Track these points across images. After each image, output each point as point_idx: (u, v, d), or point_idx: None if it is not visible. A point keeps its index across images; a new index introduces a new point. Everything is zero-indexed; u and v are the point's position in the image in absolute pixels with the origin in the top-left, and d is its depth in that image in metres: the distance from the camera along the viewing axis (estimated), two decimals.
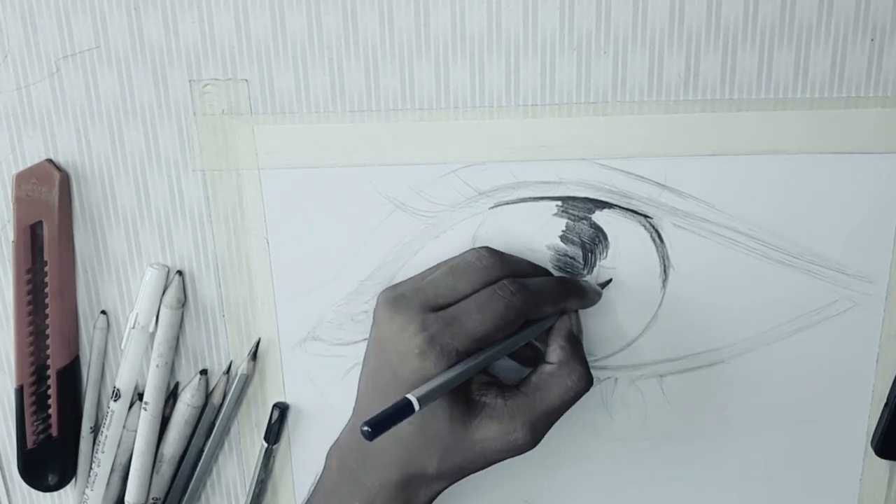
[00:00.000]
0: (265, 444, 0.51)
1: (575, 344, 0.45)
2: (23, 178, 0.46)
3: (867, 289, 0.48)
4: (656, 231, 0.47)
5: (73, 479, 0.52)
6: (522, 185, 0.47)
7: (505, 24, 0.44)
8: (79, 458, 0.52)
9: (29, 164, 0.47)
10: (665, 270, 0.48)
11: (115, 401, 0.50)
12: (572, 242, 0.48)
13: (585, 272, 0.48)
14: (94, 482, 0.52)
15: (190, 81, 0.45)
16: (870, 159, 0.45)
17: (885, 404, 0.50)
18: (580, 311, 0.46)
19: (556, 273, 0.48)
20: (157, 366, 0.49)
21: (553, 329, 0.45)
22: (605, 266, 0.48)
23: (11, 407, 0.51)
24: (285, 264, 0.48)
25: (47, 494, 0.53)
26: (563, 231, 0.47)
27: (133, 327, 0.49)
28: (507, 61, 0.44)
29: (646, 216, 0.47)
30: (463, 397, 0.43)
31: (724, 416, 0.51)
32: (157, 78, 0.45)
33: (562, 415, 0.44)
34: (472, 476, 0.45)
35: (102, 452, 0.51)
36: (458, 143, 0.46)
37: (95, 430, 0.52)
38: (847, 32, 0.43)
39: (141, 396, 0.50)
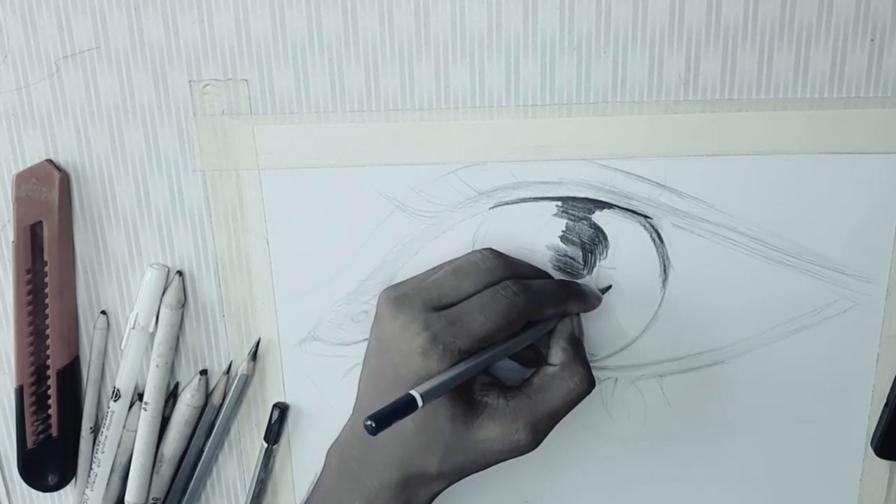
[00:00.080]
0: (265, 444, 0.51)
1: (577, 346, 0.45)
2: (23, 178, 0.46)
3: (867, 289, 0.48)
4: (656, 231, 0.47)
5: (73, 479, 0.52)
6: (522, 185, 0.47)
7: (505, 24, 0.44)
8: (79, 458, 0.52)
9: (29, 164, 0.47)
10: (665, 270, 0.48)
11: (115, 401, 0.50)
12: (572, 243, 0.48)
13: (585, 272, 0.48)
14: (94, 482, 0.52)
15: (190, 81, 0.45)
16: (870, 159, 0.45)
17: (885, 404, 0.50)
18: (580, 314, 0.47)
19: (556, 275, 0.48)
20: (157, 366, 0.49)
21: (555, 331, 0.45)
22: (605, 266, 0.48)
23: (11, 407, 0.51)
24: (285, 264, 0.48)
25: (47, 494, 0.53)
26: (563, 231, 0.47)
27: (133, 327, 0.49)
28: (507, 61, 0.44)
29: (646, 216, 0.47)
30: (465, 397, 0.43)
31: (724, 416, 0.51)
32: (157, 78, 0.45)
33: (563, 416, 0.44)
34: (473, 476, 0.45)
35: (102, 452, 0.51)
36: (458, 143, 0.46)
37: (95, 430, 0.52)
38: (847, 32, 0.43)
39: (141, 396, 0.50)
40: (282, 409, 0.51)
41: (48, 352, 0.49)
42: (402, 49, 0.44)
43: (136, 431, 0.50)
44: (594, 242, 0.48)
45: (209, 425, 0.51)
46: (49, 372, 0.49)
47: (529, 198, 0.47)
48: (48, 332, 0.49)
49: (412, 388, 0.38)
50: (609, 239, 0.47)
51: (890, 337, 0.49)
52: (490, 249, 0.46)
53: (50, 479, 0.52)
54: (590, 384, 0.44)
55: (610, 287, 0.48)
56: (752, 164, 0.46)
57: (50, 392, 0.50)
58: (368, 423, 0.35)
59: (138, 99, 0.46)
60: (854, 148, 0.45)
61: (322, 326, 0.50)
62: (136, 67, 0.45)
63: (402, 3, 0.44)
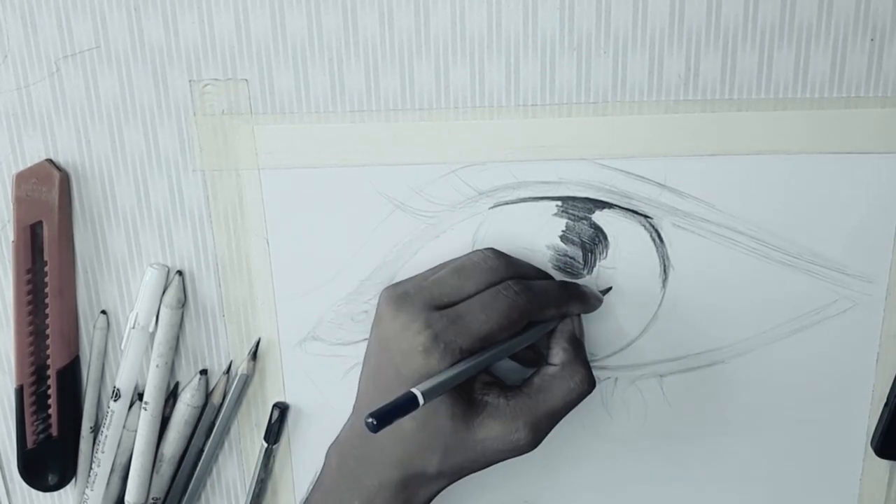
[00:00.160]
0: (265, 444, 0.51)
1: (577, 346, 0.45)
2: (23, 178, 0.46)
3: (867, 289, 0.48)
4: (656, 231, 0.47)
5: (73, 479, 0.52)
6: (522, 185, 0.47)
7: (505, 24, 0.44)
8: (79, 458, 0.52)
9: (29, 164, 0.47)
10: (665, 270, 0.48)
11: (115, 401, 0.50)
12: (572, 242, 0.48)
13: (585, 272, 0.48)
14: (94, 482, 0.52)
15: (190, 81, 0.45)
16: (870, 159, 0.45)
17: (885, 404, 0.50)
18: (581, 315, 0.47)
19: (557, 275, 0.48)
20: (157, 366, 0.49)
21: (556, 331, 0.45)
22: (605, 266, 0.48)
23: (11, 407, 0.51)
24: (285, 264, 0.48)
25: (47, 494, 0.53)
26: (563, 231, 0.47)
27: (133, 327, 0.49)
28: (507, 61, 0.44)
29: (646, 216, 0.47)
30: (465, 396, 0.43)
31: (724, 416, 0.51)
32: (157, 78, 0.45)
33: (563, 416, 0.44)
34: (472, 475, 0.45)
35: (102, 452, 0.51)
36: (458, 143, 0.46)
37: (95, 430, 0.52)
38: (847, 32, 0.43)
39: (141, 396, 0.50)
40: (282, 409, 0.51)
41: (48, 352, 0.49)
42: (402, 49, 0.44)
43: (136, 431, 0.50)
44: (594, 242, 0.48)
45: (209, 425, 0.51)
46: (49, 372, 0.49)
47: (529, 198, 0.47)
48: (48, 332, 0.49)
49: (413, 387, 0.38)
50: (609, 239, 0.47)
51: (890, 337, 0.49)
52: (492, 249, 0.46)
53: (50, 479, 0.52)
54: (590, 384, 0.44)
55: (610, 289, 0.48)
56: (752, 164, 0.46)
57: (50, 392, 0.50)
58: (369, 420, 0.35)
59: (138, 99, 0.46)
60: (854, 148, 0.45)
61: (322, 326, 0.50)
62: (136, 67, 0.45)
63: (402, 3, 0.44)
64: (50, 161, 0.47)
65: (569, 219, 0.47)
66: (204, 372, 0.51)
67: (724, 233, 0.47)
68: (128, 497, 0.51)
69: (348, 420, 0.48)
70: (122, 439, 0.51)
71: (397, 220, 0.47)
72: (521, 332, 0.44)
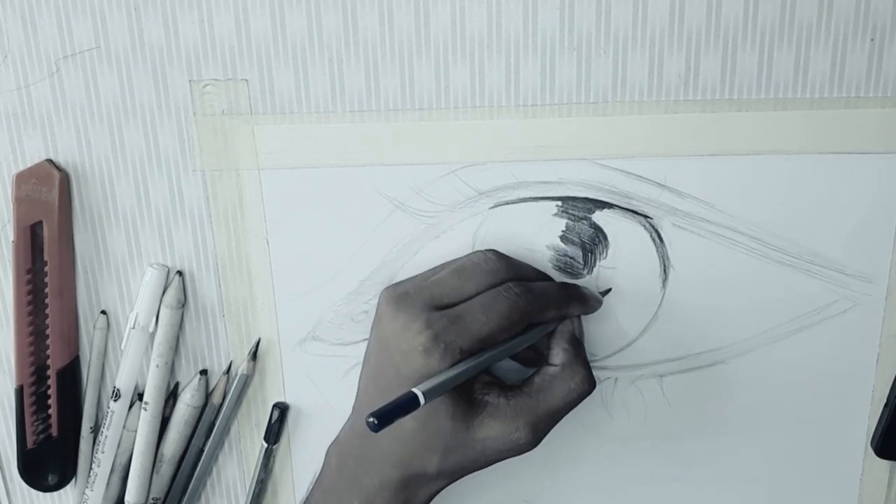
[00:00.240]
0: (265, 444, 0.51)
1: (578, 347, 0.45)
2: (23, 178, 0.46)
3: (867, 289, 0.48)
4: (656, 231, 0.47)
5: (73, 479, 0.52)
6: (522, 185, 0.47)
7: (505, 24, 0.44)
8: (79, 458, 0.52)
9: (29, 164, 0.47)
10: (665, 270, 0.48)
11: (115, 401, 0.50)
12: (572, 242, 0.48)
13: (585, 272, 0.48)
14: (94, 482, 0.52)
15: (190, 81, 0.45)
16: (870, 159, 0.45)
17: (885, 404, 0.50)
18: (581, 316, 0.47)
19: (557, 275, 0.48)
20: (157, 366, 0.49)
21: (556, 332, 0.45)
22: (605, 266, 0.48)
23: (11, 407, 0.51)
24: (285, 264, 0.48)
25: (47, 494, 0.53)
26: (563, 231, 0.47)
27: (133, 327, 0.49)
28: (507, 61, 0.44)
29: (646, 216, 0.47)
30: (465, 396, 0.43)
31: (724, 416, 0.51)
32: (157, 78, 0.45)
33: (563, 416, 0.44)
34: (472, 475, 0.45)
35: (102, 452, 0.51)
36: (458, 143, 0.46)
37: (95, 430, 0.52)
38: (847, 32, 0.43)
39: (141, 396, 0.50)
40: (282, 409, 0.51)
41: (48, 352, 0.49)
42: (402, 49, 0.44)
43: (136, 431, 0.50)
44: (594, 242, 0.48)
45: (209, 425, 0.51)
46: (49, 372, 0.49)
47: (529, 198, 0.47)
48: (48, 332, 0.49)
49: (413, 387, 0.38)
50: (609, 239, 0.47)
51: (890, 337, 0.49)
52: (492, 251, 0.46)
53: (50, 479, 0.52)
54: (590, 384, 0.44)
55: (610, 290, 0.48)
56: (752, 164, 0.46)
57: (50, 392, 0.50)
58: (370, 420, 0.35)
59: (138, 99, 0.46)
60: (854, 148, 0.45)
61: (322, 326, 0.50)
62: (136, 67, 0.45)
63: (402, 3, 0.44)
64: (50, 161, 0.47)
65: (569, 219, 0.47)
66: (204, 372, 0.51)
67: (724, 233, 0.47)
68: (128, 497, 0.51)
69: (348, 420, 0.48)
70: (122, 439, 0.51)
71: (397, 220, 0.47)
72: (522, 333, 0.44)
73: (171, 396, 0.51)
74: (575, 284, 0.47)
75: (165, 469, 0.52)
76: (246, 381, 0.50)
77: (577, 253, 0.48)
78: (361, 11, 0.44)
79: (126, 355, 0.49)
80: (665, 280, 0.48)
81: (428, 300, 0.43)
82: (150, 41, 0.45)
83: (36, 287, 0.48)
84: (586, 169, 0.46)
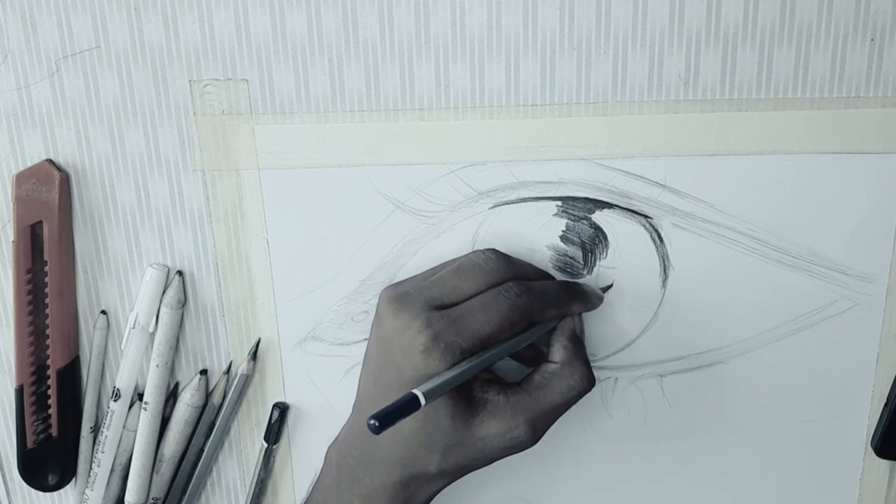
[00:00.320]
0: (265, 444, 0.51)
1: (578, 344, 0.45)
2: (23, 178, 0.46)
3: (867, 289, 0.48)
4: (656, 231, 0.47)
5: (73, 479, 0.52)
6: (522, 185, 0.47)
7: (505, 24, 0.44)
8: (79, 458, 0.52)
9: (29, 164, 0.47)
10: (665, 270, 0.48)
11: (115, 401, 0.50)
12: (572, 242, 0.48)
13: (585, 272, 0.48)
14: (94, 482, 0.52)
15: (190, 81, 0.45)
16: (870, 159, 0.45)
17: (885, 404, 0.50)
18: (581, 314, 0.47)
19: (557, 275, 0.48)
20: (157, 366, 0.49)
21: (556, 329, 0.45)
22: (605, 266, 0.48)
23: (11, 407, 0.51)
24: (285, 264, 0.48)
25: (47, 494, 0.53)
26: (563, 231, 0.47)
27: (133, 327, 0.49)
28: (507, 61, 0.44)
29: (646, 216, 0.47)
30: (465, 395, 0.43)
31: (724, 416, 0.51)
32: (157, 78, 0.45)
33: (562, 414, 0.44)
34: (472, 475, 0.45)
35: (102, 452, 0.51)
36: (458, 143, 0.46)
37: (95, 430, 0.52)
38: (847, 32, 0.43)
39: (141, 396, 0.50)
40: (282, 409, 0.51)
41: (48, 352, 0.49)
42: (402, 49, 0.44)
43: (136, 431, 0.51)
44: (594, 242, 0.48)
45: (209, 425, 0.51)
46: (49, 372, 0.49)
47: (529, 198, 0.47)
48: (48, 332, 0.49)
49: (413, 387, 0.38)
50: (609, 239, 0.47)
51: (890, 337, 0.49)
52: (492, 250, 0.46)
53: (50, 479, 0.52)
54: (590, 382, 0.44)
55: (611, 286, 0.48)
56: (752, 164, 0.46)
57: (50, 392, 0.50)
58: (371, 422, 0.35)
59: (138, 99, 0.46)
60: (854, 148, 0.45)
61: (322, 326, 0.50)
62: (136, 67, 0.45)
63: (402, 3, 0.44)
64: (50, 161, 0.47)
65: (569, 219, 0.47)
66: (204, 372, 0.51)
67: (724, 233, 0.47)
68: (128, 497, 0.51)
69: (348, 420, 0.48)
70: (122, 439, 0.51)
71: (397, 220, 0.47)
72: (522, 332, 0.44)
73: (171, 396, 0.51)
74: (575, 282, 0.47)
75: (165, 469, 0.52)
76: (246, 381, 0.50)
77: (577, 253, 0.48)
78: (361, 11, 0.44)
79: (126, 355, 0.49)
80: (665, 280, 0.48)
81: (428, 300, 0.43)
82: (150, 41, 0.45)
83: (36, 287, 0.48)
84: (586, 169, 0.46)
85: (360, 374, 0.47)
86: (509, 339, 0.43)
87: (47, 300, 0.48)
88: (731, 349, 0.49)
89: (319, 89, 0.45)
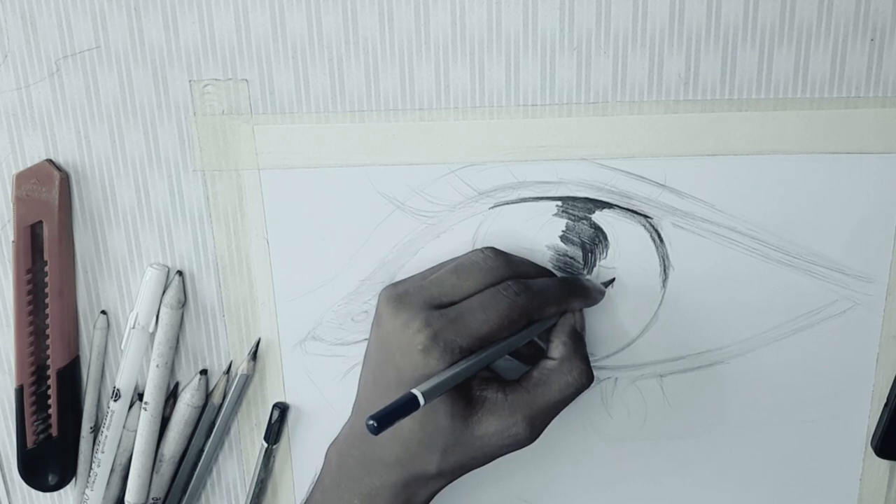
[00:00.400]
0: (265, 444, 0.51)
1: (577, 341, 0.45)
2: (23, 178, 0.46)
3: (867, 289, 0.48)
4: (656, 231, 0.47)
5: (73, 479, 0.52)
6: (522, 185, 0.47)
7: (505, 24, 0.44)
8: (79, 458, 0.52)
9: (29, 164, 0.47)
10: (665, 270, 0.48)
11: (115, 401, 0.50)
12: (572, 242, 0.48)
13: (585, 272, 0.48)
14: (94, 482, 0.52)
15: (190, 81, 0.45)
16: (869, 159, 0.45)
17: (885, 404, 0.50)
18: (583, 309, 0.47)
19: (557, 274, 0.48)
20: (157, 366, 0.49)
21: (556, 325, 0.45)
22: (605, 266, 0.48)
23: (11, 407, 0.51)
24: (285, 264, 0.48)
25: (47, 494, 0.53)
26: (563, 231, 0.47)
27: (133, 327, 0.49)
28: (507, 61, 0.44)
29: (646, 216, 0.47)
30: (464, 394, 0.43)
31: (724, 416, 0.51)
32: (157, 78, 0.45)
33: (560, 410, 0.44)
34: (472, 475, 0.45)
35: (102, 452, 0.51)
36: (458, 143, 0.46)
37: (95, 430, 0.52)
38: (847, 32, 0.43)
39: (141, 396, 0.50)
40: (282, 409, 0.51)
41: (48, 352, 0.49)
42: (402, 49, 0.44)
43: (136, 431, 0.51)
44: (594, 242, 0.48)
45: (209, 425, 0.51)
46: (49, 372, 0.49)
47: (529, 198, 0.47)
48: (48, 332, 0.49)
49: (412, 386, 0.38)
50: (609, 239, 0.47)
51: (890, 337, 0.49)
52: (491, 248, 0.46)
53: (50, 479, 0.52)
54: (588, 378, 0.44)
55: (613, 280, 0.48)
56: (752, 164, 0.46)
57: (50, 392, 0.50)
58: (371, 423, 0.35)
59: (138, 99, 0.46)
60: (854, 148, 0.45)
61: (322, 326, 0.50)
62: (136, 67, 0.45)
63: (402, 3, 0.44)
64: (50, 161, 0.47)
65: (569, 219, 0.47)
66: (204, 372, 0.51)
67: (724, 233, 0.47)
68: (128, 497, 0.51)
69: (348, 420, 0.48)
70: (122, 439, 0.51)
71: (397, 220, 0.47)
72: (522, 330, 0.44)
73: (171, 396, 0.51)
74: (575, 278, 0.47)
75: (165, 469, 0.52)
76: (246, 381, 0.50)
77: (577, 253, 0.48)
78: (361, 11, 0.44)
79: (126, 355, 0.49)
80: (665, 280, 0.48)
81: (427, 299, 0.43)
82: (150, 41, 0.45)
83: (36, 287, 0.48)
84: (586, 169, 0.46)
85: (360, 374, 0.47)
86: (508, 338, 0.43)
87: (47, 300, 0.48)
88: (731, 349, 0.49)
89: (319, 89, 0.45)
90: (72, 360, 0.50)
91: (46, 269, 0.48)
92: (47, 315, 0.48)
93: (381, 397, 0.43)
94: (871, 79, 0.44)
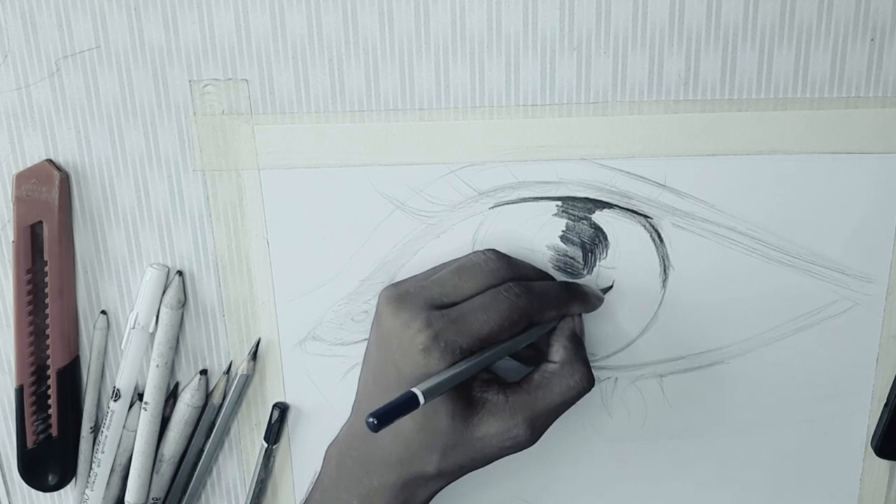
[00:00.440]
0: (265, 444, 0.51)
1: (578, 344, 0.45)
2: (23, 178, 0.46)
3: (867, 289, 0.48)
4: (656, 231, 0.47)
5: (73, 479, 0.52)
6: (522, 185, 0.47)
7: (505, 24, 0.44)
8: (79, 458, 0.52)
9: (29, 164, 0.47)
10: (665, 270, 0.48)
11: (115, 401, 0.50)
12: (572, 242, 0.48)
13: (585, 272, 0.48)
14: (94, 482, 0.52)
15: (190, 81, 0.45)
16: (869, 159, 0.45)
17: (885, 404, 0.50)
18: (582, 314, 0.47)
19: (557, 275, 0.48)
20: (157, 366, 0.49)
21: (556, 329, 0.45)
22: (605, 266, 0.48)
23: (11, 407, 0.51)
24: (285, 264, 0.49)
25: (47, 494, 0.53)
26: (563, 231, 0.47)
27: (133, 327, 0.49)
28: (507, 61, 0.44)
29: (646, 216, 0.47)
30: (464, 395, 0.43)
31: (724, 416, 0.51)
32: (157, 78, 0.45)
33: (561, 413, 0.44)
34: (472, 475, 0.45)
35: (102, 452, 0.51)
36: (458, 143, 0.46)
37: (95, 430, 0.52)
38: (847, 32, 0.43)
39: (141, 396, 0.50)
40: (282, 409, 0.51)
41: (48, 352, 0.49)
42: (402, 49, 0.44)
43: (136, 431, 0.51)
44: (594, 242, 0.48)
45: (209, 425, 0.51)
46: (49, 372, 0.49)
47: (529, 198, 0.47)
48: (48, 332, 0.49)
49: (413, 386, 0.38)
50: (609, 239, 0.47)
51: (890, 337, 0.49)
52: (493, 250, 0.46)
53: (50, 479, 0.52)
54: (589, 382, 0.44)
55: (611, 286, 0.48)
56: (753, 164, 0.46)
57: (50, 392, 0.50)
58: (370, 420, 0.35)
59: (138, 99, 0.46)
60: (854, 148, 0.45)
61: (322, 326, 0.50)
62: (136, 67, 0.45)
63: (402, 3, 0.44)
64: (50, 161, 0.47)
65: (569, 219, 0.47)
66: (204, 372, 0.51)
67: (724, 233, 0.47)
68: (128, 497, 0.51)
69: (348, 420, 0.48)
70: (122, 439, 0.51)
71: (397, 220, 0.47)
72: (522, 332, 0.44)
73: (171, 396, 0.51)
74: (575, 283, 0.47)
75: (165, 469, 0.52)
76: (246, 381, 0.50)
77: (577, 253, 0.48)
78: (361, 11, 0.44)
79: (126, 355, 0.49)
80: (665, 280, 0.48)
81: (428, 299, 0.43)
82: (150, 41, 0.45)
83: (36, 287, 0.48)
84: (586, 169, 0.46)
85: (360, 374, 0.47)
86: (509, 339, 0.43)
87: (47, 300, 0.48)
88: (731, 349, 0.49)
89: (319, 89, 0.45)
90: (72, 360, 0.50)
91: (46, 269, 0.48)
92: (47, 315, 0.48)
93: (381, 397, 0.43)
94: (871, 79, 0.44)
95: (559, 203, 0.47)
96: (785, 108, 0.45)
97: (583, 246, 0.48)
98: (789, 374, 0.50)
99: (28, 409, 0.50)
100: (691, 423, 0.51)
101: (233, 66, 0.45)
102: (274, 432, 0.51)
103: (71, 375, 0.50)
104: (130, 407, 0.51)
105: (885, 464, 0.51)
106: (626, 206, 0.47)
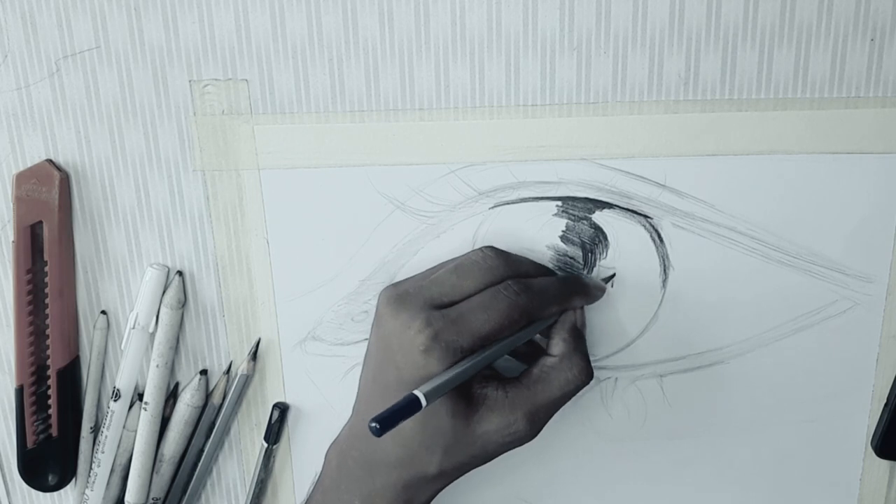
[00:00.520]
0: (265, 444, 0.51)
1: (577, 338, 0.45)
2: (23, 178, 0.46)
3: (867, 289, 0.48)
4: (656, 231, 0.47)
5: (73, 479, 0.52)
6: (522, 185, 0.47)
7: (505, 24, 0.44)
8: (79, 458, 0.52)
9: (29, 164, 0.47)
10: (665, 270, 0.48)
11: (115, 401, 0.50)
12: (572, 242, 0.48)
13: (585, 272, 0.48)
14: (94, 482, 0.52)
15: (190, 81, 0.45)
16: (869, 159, 0.45)
17: (885, 404, 0.50)
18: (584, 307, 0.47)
19: (557, 273, 0.48)
20: (157, 366, 0.49)
21: (557, 322, 0.45)
22: (605, 266, 0.48)
23: (11, 407, 0.51)
24: (285, 264, 0.49)
25: (47, 494, 0.53)
26: (563, 231, 0.47)
27: (133, 327, 0.49)
28: (507, 61, 0.44)
29: (646, 216, 0.47)
30: (464, 392, 0.43)
31: (724, 416, 0.51)
32: (157, 78, 0.45)
33: (560, 407, 0.44)
34: (472, 474, 0.45)
35: (102, 452, 0.51)
36: (458, 143, 0.46)
37: (95, 430, 0.52)
38: (847, 32, 0.43)
39: (141, 396, 0.50)
40: (282, 409, 0.51)
41: (48, 352, 0.49)
42: (402, 49, 0.44)
43: (136, 431, 0.51)
44: (594, 242, 0.48)
45: (209, 425, 0.51)
46: (49, 372, 0.49)
47: (529, 198, 0.47)
48: (48, 332, 0.49)
49: (413, 387, 0.38)
50: (609, 239, 0.47)
51: (890, 337, 0.49)
52: (491, 248, 0.46)
53: (50, 479, 0.52)
54: (588, 376, 0.44)
55: (614, 275, 0.48)
56: (753, 164, 0.46)
57: (50, 392, 0.50)
58: (373, 425, 0.35)
59: (138, 99, 0.46)
60: (854, 148, 0.45)
61: (322, 326, 0.50)
62: (136, 67, 0.45)
63: (402, 3, 0.44)
64: (50, 161, 0.47)
65: (569, 219, 0.47)
66: (204, 372, 0.51)
67: (724, 233, 0.47)
68: (128, 497, 0.51)
69: (348, 420, 0.48)
70: (122, 439, 0.51)
71: (397, 220, 0.47)
72: (522, 329, 0.44)
73: (171, 396, 0.51)
74: (576, 276, 0.47)
75: (165, 469, 0.52)
76: (246, 381, 0.50)
77: (577, 253, 0.48)
78: (361, 11, 0.44)
79: (126, 355, 0.49)
80: (665, 280, 0.48)
81: (428, 299, 0.43)
82: (150, 41, 0.45)
83: (36, 287, 0.48)
84: (586, 169, 0.46)
85: (360, 375, 0.47)
86: (509, 337, 0.43)
87: (47, 300, 0.48)
88: (731, 349, 0.49)
89: (319, 89, 0.45)
90: (72, 360, 0.50)
91: (46, 269, 0.48)
92: (47, 315, 0.48)
93: (381, 398, 0.43)
94: (871, 79, 0.44)
95: (559, 203, 0.47)
96: (785, 108, 0.45)
97: (583, 246, 0.48)
98: (789, 374, 0.50)
99: (28, 409, 0.50)
100: (691, 423, 0.51)
101: (233, 66, 0.45)
102: (274, 432, 0.51)
103: (71, 375, 0.50)
104: (130, 407, 0.51)
105: (885, 464, 0.51)
106: (626, 206, 0.47)
